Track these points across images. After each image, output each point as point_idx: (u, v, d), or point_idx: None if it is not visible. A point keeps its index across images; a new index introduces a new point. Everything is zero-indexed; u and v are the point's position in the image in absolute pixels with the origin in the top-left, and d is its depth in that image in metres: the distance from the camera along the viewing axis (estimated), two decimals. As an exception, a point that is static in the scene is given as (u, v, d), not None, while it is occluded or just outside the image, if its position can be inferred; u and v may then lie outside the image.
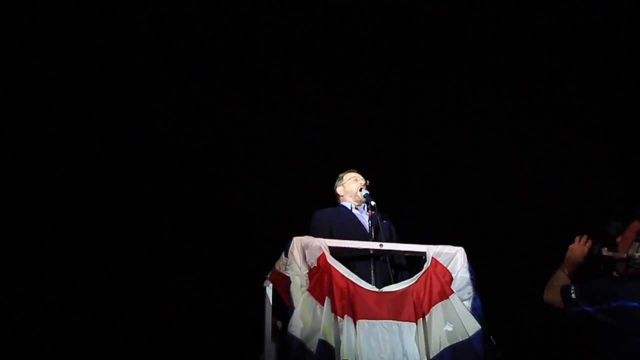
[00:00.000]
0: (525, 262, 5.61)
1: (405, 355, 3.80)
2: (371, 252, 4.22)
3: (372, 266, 4.19)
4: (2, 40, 5.66)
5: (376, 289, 3.98)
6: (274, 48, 6.26)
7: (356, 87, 6.43)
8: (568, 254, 3.22)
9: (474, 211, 6.16)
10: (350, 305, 3.85)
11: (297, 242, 3.96)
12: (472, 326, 3.81)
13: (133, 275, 5.70)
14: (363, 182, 4.66)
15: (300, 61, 6.29)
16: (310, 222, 4.49)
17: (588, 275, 3.15)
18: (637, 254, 2.95)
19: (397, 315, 3.90)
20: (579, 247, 3.20)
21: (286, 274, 3.87)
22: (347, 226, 4.48)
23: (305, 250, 3.94)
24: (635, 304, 2.84)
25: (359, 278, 3.98)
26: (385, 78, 6.42)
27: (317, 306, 3.78)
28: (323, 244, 4.00)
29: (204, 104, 6.21)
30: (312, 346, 3.65)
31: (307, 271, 3.89)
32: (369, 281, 4.05)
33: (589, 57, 6.26)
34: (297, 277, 3.85)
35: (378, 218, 4.37)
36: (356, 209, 4.62)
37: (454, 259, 4.09)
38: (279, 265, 3.93)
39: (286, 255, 3.91)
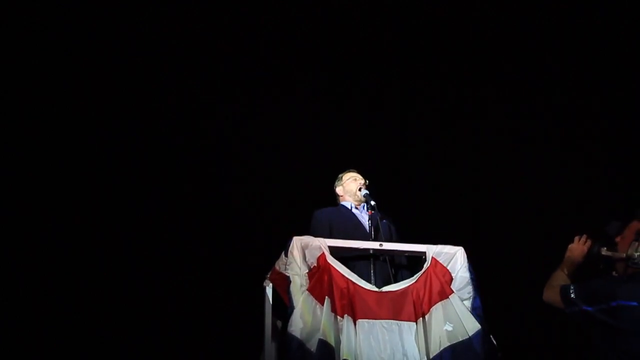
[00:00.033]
0: (525, 262, 5.61)
1: (405, 355, 3.80)
2: (371, 251, 4.22)
3: (372, 266, 4.20)
4: (2, 40, 5.66)
5: (376, 289, 3.98)
6: (274, 48, 6.26)
7: (356, 87, 6.42)
8: (567, 253, 3.22)
9: (474, 211, 6.16)
10: (350, 305, 3.85)
11: (297, 241, 3.96)
12: (472, 326, 3.82)
13: (133, 275, 5.69)
14: (362, 181, 4.66)
15: (300, 61, 6.29)
16: (310, 222, 4.49)
17: (587, 275, 3.15)
18: (636, 254, 2.96)
19: (397, 315, 3.90)
20: (578, 247, 3.20)
21: (286, 274, 3.87)
22: (347, 226, 4.48)
23: (305, 250, 3.94)
24: (635, 303, 2.84)
25: (358, 278, 3.99)
26: (385, 78, 6.42)
27: (317, 306, 3.78)
28: (323, 243, 4.00)
29: (204, 104, 6.21)
30: (312, 346, 3.65)
31: (307, 271, 3.90)
32: (368, 281, 4.05)
33: (589, 57, 6.26)
34: (297, 277, 3.85)
35: (378, 218, 4.37)
36: (356, 208, 4.63)
37: (453, 258, 4.10)
38: (279, 265, 3.94)
39: (286, 255, 3.92)
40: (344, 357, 3.67)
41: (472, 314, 3.86)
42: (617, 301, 2.85)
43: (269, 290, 3.99)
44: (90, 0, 5.85)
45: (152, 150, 6.01)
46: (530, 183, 6.17)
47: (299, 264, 3.89)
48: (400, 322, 3.89)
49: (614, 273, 3.07)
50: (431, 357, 3.79)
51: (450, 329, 3.83)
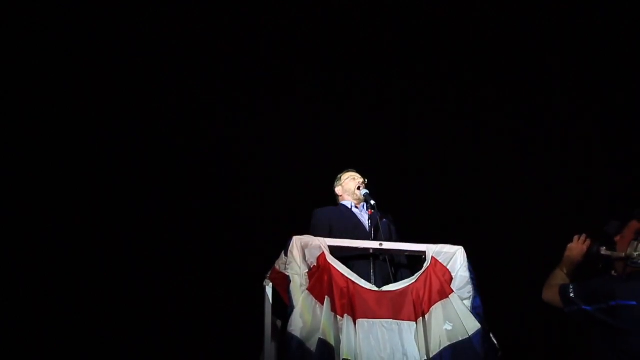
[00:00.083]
0: (525, 262, 5.61)
1: (405, 354, 3.80)
2: (371, 251, 4.22)
3: (371, 265, 4.20)
4: (2, 40, 5.66)
5: (376, 288, 3.98)
6: (274, 48, 6.27)
7: (356, 87, 6.43)
8: (567, 253, 3.22)
9: (474, 211, 6.16)
10: (350, 305, 3.85)
11: (297, 241, 3.96)
12: (472, 325, 3.82)
13: (133, 275, 5.70)
14: (361, 180, 4.66)
15: (300, 61, 6.29)
16: (310, 221, 4.49)
17: (587, 274, 3.16)
18: (635, 253, 2.96)
19: (397, 315, 3.90)
20: (577, 246, 3.20)
21: (286, 273, 3.87)
22: (347, 225, 4.48)
23: (305, 250, 3.94)
24: (634, 302, 2.84)
25: (358, 277, 3.99)
26: (385, 78, 6.42)
27: (317, 305, 3.78)
28: (323, 243, 4.01)
29: (204, 104, 6.21)
30: (312, 345, 3.65)
31: (307, 270, 3.90)
32: (368, 280, 4.05)
33: (589, 57, 6.26)
34: (296, 277, 3.85)
35: (378, 217, 4.37)
36: (356, 207, 4.63)
37: (453, 258, 4.10)
38: (279, 265, 3.94)
39: (286, 255, 3.92)
40: (344, 357, 3.67)
41: (472, 314, 3.86)
42: (616, 300, 2.85)
43: (269, 290, 3.98)
44: (90, 0, 5.85)
45: (152, 150, 6.01)
46: (530, 183, 6.17)
47: (299, 263, 3.89)
48: (400, 321, 3.89)
49: (613, 272, 3.07)
50: (431, 356, 3.80)
51: (450, 328, 3.83)
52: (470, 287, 3.99)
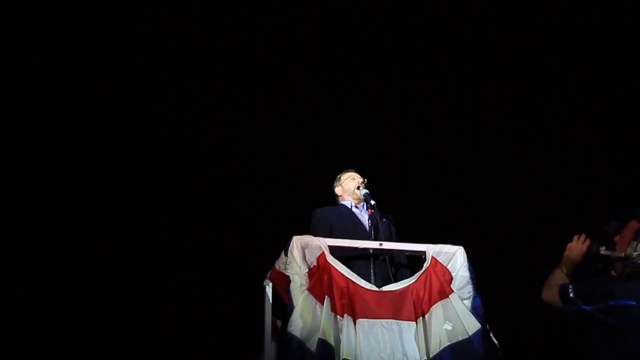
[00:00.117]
0: (525, 262, 5.61)
1: (405, 354, 3.80)
2: (371, 251, 4.21)
3: (371, 265, 4.19)
4: (2, 40, 5.66)
5: (376, 288, 3.98)
6: (274, 48, 6.27)
7: (356, 87, 6.43)
8: (566, 253, 3.22)
9: (474, 211, 6.16)
10: (350, 305, 3.85)
11: (297, 241, 3.96)
12: (472, 325, 3.82)
13: (133, 275, 5.70)
14: (360, 180, 4.66)
15: (300, 61, 6.29)
16: (310, 221, 4.49)
17: (586, 274, 3.16)
18: (634, 253, 2.96)
19: (396, 315, 3.90)
20: (577, 246, 3.21)
21: (286, 273, 3.87)
22: (347, 225, 4.48)
23: (305, 250, 3.94)
24: (633, 302, 2.84)
25: (358, 277, 3.98)
26: (385, 78, 6.42)
27: (317, 305, 3.78)
28: (323, 243, 4.01)
29: (204, 104, 6.21)
30: (312, 345, 3.65)
31: (307, 270, 3.89)
32: (368, 280, 4.05)
33: (589, 57, 6.26)
34: (296, 276, 3.85)
35: (378, 217, 4.37)
36: (356, 207, 4.63)
37: (453, 258, 4.09)
38: (279, 265, 3.94)
39: (286, 255, 3.92)
40: (344, 357, 3.67)
41: (472, 314, 3.86)
42: (616, 300, 2.86)
43: (269, 290, 3.98)
44: (90, 0, 5.85)
45: (152, 150, 6.01)
46: (530, 183, 6.17)
47: (298, 263, 3.89)
48: (400, 321, 3.89)
49: (612, 272, 3.07)
50: (431, 356, 3.79)
51: (450, 328, 3.83)
52: (470, 287, 3.99)
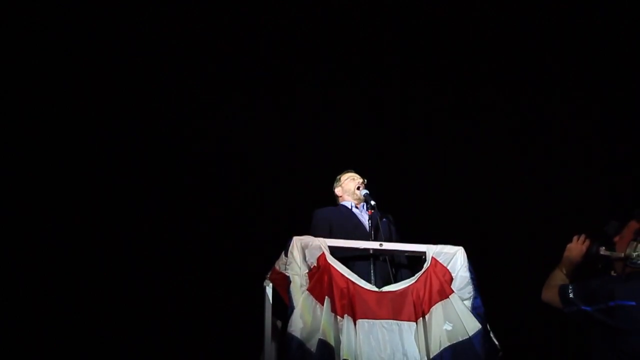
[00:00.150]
0: (525, 262, 5.61)
1: (405, 354, 3.80)
2: (371, 251, 4.22)
3: (372, 266, 4.19)
4: (2, 40, 5.66)
5: (376, 289, 3.98)
6: (274, 48, 6.27)
7: (356, 88, 6.43)
8: (566, 253, 3.22)
9: (474, 211, 6.16)
10: (350, 305, 3.85)
11: (297, 241, 3.96)
12: (472, 326, 3.82)
13: (133, 275, 5.70)
14: (360, 180, 4.66)
15: (300, 61, 6.29)
16: (311, 221, 4.49)
17: (586, 274, 3.15)
18: (634, 254, 2.96)
19: (397, 315, 3.90)
20: (577, 247, 3.20)
21: (286, 274, 3.87)
22: (347, 225, 4.48)
23: (305, 250, 3.94)
24: (633, 303, 2.84)
25: (358, 278, 3.98)
26: (385, 78, 6.42)
27: (317, 306, 3.78)
28: (323, 243, 4.00)
29: (204, 104, 6.21)
30: (312, 346, 3.65)
31: (307, 271, 3.89)
32: (368, 281, 4.05)
33: (589, 57, 6.26)
34: (297, 277, 3.85)
35: (378, 217, 4.37)
36: (356, 207, 4.63)
37: (453, 258, 4.10)
38: (279, 265, 3.94)
39: (286, 255, 3.92)
40: (344, 357, 3.67)
41: (473, 314, 3.86)
42: (616, 301, 2.85)
43: (269, 290, 3.98)
44: (90, 0, 5.85)
45: (152, 150, 6.02)
46: (530, 183, 6.17)
47: (299, 263, 3.89)
48: (400, 322, 3.89)
49: (612, 273, 3.07)
50: (431, 356, 3.79)
51: (450, 328, 3.83)
52: (470, 288, 3.99)
